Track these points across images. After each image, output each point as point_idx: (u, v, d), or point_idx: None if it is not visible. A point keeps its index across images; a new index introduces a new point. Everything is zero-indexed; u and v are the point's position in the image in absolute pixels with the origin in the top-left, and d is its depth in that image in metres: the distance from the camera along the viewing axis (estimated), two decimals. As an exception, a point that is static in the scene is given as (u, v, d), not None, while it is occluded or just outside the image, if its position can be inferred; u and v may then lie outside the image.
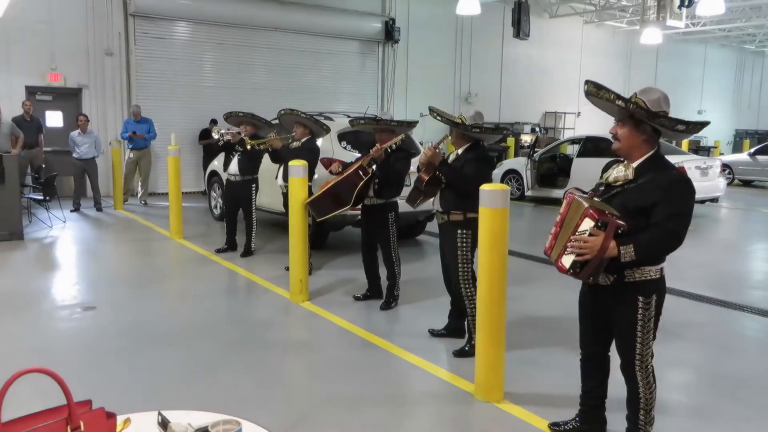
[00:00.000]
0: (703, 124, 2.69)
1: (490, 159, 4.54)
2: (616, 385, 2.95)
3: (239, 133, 7.15)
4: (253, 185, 7.39)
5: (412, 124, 5.38)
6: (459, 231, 4.25)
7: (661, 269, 2.71)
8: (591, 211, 2.55)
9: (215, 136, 7.25)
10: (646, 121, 2.64)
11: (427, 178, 4.28)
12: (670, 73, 22.71)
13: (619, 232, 2.54)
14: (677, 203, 2.57)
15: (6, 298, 5.62)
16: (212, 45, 13.66)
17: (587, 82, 2.68)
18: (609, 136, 2.84)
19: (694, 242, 8.96)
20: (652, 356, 2.80)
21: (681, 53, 23.38)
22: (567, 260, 2.65)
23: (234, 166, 7.30)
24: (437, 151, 4.24)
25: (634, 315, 2.71)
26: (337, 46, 15.31)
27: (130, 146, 11.73)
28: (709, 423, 3.48)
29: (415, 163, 5.42)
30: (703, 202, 11.63)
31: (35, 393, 2.44)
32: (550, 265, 2.85)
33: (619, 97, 2.60)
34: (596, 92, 2.63)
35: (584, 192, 2.83)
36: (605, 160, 3.09)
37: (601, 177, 2.88)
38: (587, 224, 2.56)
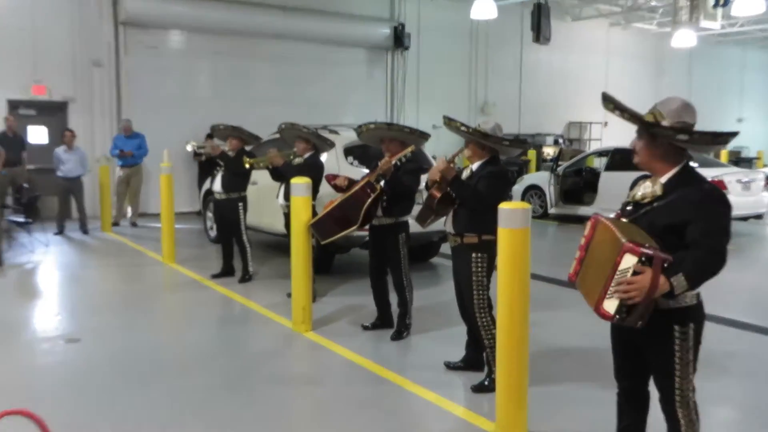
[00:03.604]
0: (723, 136, 2.63)
1: (507, 175, 4.54)
2: (656, 421, 2.90)
3: (220, 146, 7.07)
4: (240, 204, 7.27)
5: (425, 136, 5.35)
6: (474, 255, 4.22)
7: (698, 294, 2.67)
8: (630, 245, 2.43)
9: (188, 149, 7.15)
10: (647, 131, 2.65)
11: (439, 195, 4.25)
12: (706, 78, 22.62)
13: (665, 266, 2.44)
14: (711, 219, 2.54)
15: (-16, 330, 5.64)
16: (209, 55, 13.79)
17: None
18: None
19: (737, 264, 8.82)
20: (693, 390, 2.75)
21: (717, 56, 23.31)
22: (611, 305, 2.51)
23: (217, 184, 7.27)
24: (451, 165, 4.23)
25: (670, 346, 2.66)
26: (342, 54, 15.42)
27: (120, 163, 11.74)
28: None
29: (424, 179, 5.42)
30: (746, 219, 11.52)
31: (13, 435, 2.43)
32: (576, 289, 2.81)
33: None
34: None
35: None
36: (636, 174, 3.07)
37: (629, 194, 2.87)
38: (628, 261, 2.44)
